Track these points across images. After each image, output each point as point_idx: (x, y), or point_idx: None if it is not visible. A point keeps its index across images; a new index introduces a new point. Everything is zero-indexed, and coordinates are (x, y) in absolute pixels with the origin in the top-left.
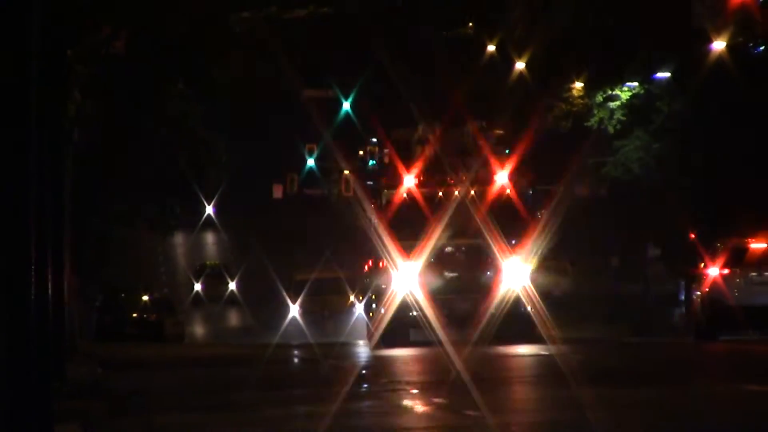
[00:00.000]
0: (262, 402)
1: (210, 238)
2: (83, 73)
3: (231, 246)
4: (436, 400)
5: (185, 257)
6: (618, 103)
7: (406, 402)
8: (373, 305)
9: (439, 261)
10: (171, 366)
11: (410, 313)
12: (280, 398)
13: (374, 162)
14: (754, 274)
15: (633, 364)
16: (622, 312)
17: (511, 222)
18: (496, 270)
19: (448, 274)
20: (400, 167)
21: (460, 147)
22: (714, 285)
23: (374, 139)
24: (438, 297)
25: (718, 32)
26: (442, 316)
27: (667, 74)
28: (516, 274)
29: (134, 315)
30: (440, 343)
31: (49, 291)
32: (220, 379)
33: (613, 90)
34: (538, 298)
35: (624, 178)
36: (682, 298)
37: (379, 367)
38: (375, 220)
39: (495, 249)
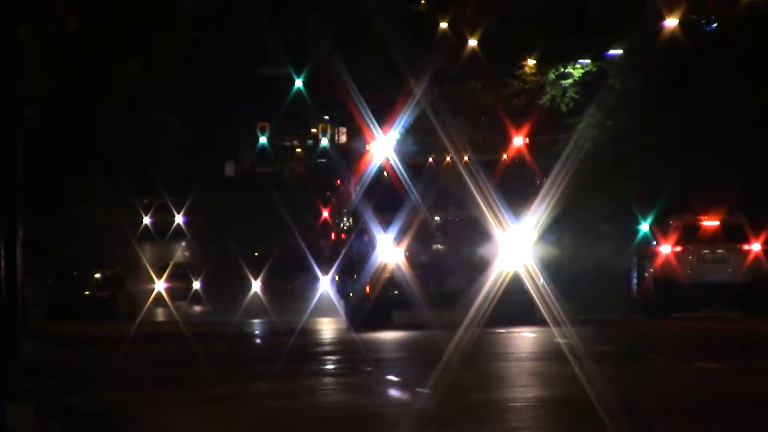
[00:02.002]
0: (215, 379)
1: (162, 213)
2: (36, 50)
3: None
4: (391, 377)
5: (131, 231)
6: (570, 80)
7: (359, 380)
8: (350, 284)
9: (426, 234)
10: (124, 343)
11: (394, 293)
12: (233, 375)
13: (327, 138)
14: (706, 251)
15: (587, 341)
16: (576, 289)
17: (511, 191)
18: (493, 244)
19: (438, 249)
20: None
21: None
22: (666, 262)
23: (326, 117)
24: (426, 274)
25: (671, 9)
26: (430, 295)
27: (620, 51)
28: (515, 248)
29: (86, 293)
30: (427, 325)
31: (1, 270)
32: (174, 355)
33: (565, 68)
34: (540, 276)
35: (576, 156)
36: (634, 275)
37: (344, 346)
38: (354, 190)
39: (491, 221)
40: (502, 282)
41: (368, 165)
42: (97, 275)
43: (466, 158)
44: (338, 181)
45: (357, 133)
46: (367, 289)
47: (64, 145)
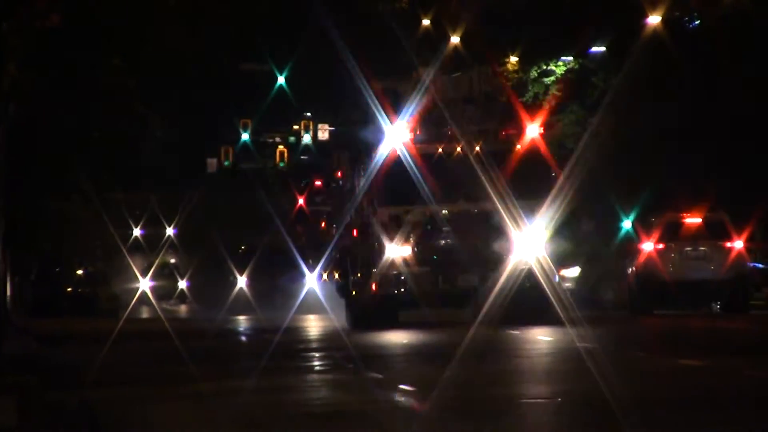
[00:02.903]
0: (196, 376)
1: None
2: (19, 47)
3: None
4: (374, 374)
5: (117, 227)
6: (553, 78)
7: (342, 376)
8: (352, 282)
9: (436, 229)
10: (106, 340)
11: (400, 291)
12: (215, 372)
13: (309, 135)
14: (688, 248)
15: (570, 338)
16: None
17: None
18: (506, 239)
19: (447, 244)
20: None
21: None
22: (648, 260)
23: (308, 114)
24: (434, 271)
25: (654, 7)
26: (439, 292)
27: (603, 48)
28: (529, 244)
29: (69, 289)
30: (435, 324)
31: None
32: (158, 352)
33: (548, 65)
34: (554, 273)
35: (558, 153)
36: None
37: (330, 344)
38: (358, 184)
39: (505, 215)
40: (516, 279)
41: (374, 157)
42: (80, 271)
43: (477, 148)
44: (339, 173)
45: (363, 125)
46: (372, 287)
47: (47, 140)
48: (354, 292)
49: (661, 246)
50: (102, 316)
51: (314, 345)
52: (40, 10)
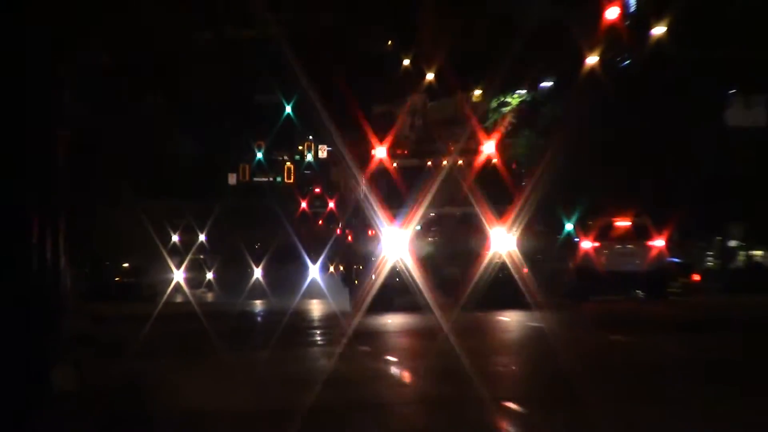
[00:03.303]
0: (218, 349)
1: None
2: (74, 80)
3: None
4: (363, 348)
5: (157, 229)
6: (509, 108)
7: (337, 350)
8: (355, 273)
9: (427, 228)
10: (147, 320)
11: (396, 280)
12: (234, 346)
13: (311, 154)
14: (618, 246)
15: (529, 319)
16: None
17: (498, 191)
18: (484, 237)
19: (435, 241)
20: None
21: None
22: (586, 255)
23: (311, 136)
24: (427, 263)
25: (592, 48)
26: (432, 282)
27: (551, 83)
28: (502, 240)
29: (117, 279)
30: (427, 307)
31: (48, 261)
32: (187, 331)
33: (505, 97)
34: (523, 264)
35: (518, 169)
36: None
37: (328, 322)
38: (363, 189)
39: (482, 216)
40: (492, 270)
41: (373, 169)
42: (125, 265)
43: (459, 162)
44: (344, 181)
45: (361, 142)
46: (372, 277)
47: (98, 159)
48: (356, 282)
49: (596, 244)
50: (143, 301)
51: (315, 324)
52: (91, 51)
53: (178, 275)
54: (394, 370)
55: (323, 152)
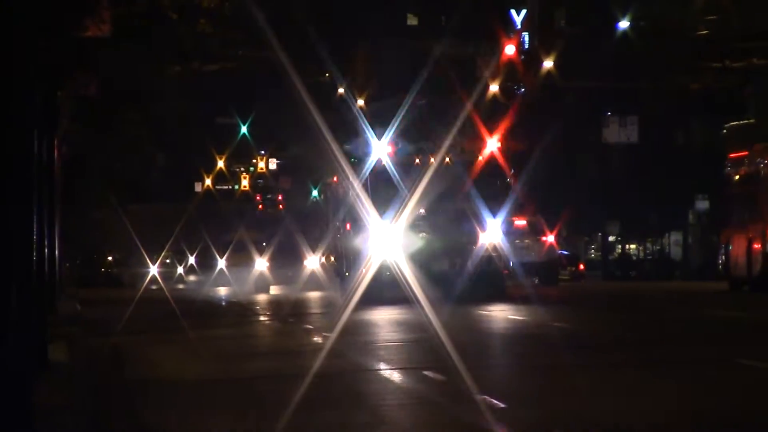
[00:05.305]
0: (186, 327)
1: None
2: (69, 107)
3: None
4: (307, 326)
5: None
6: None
7: (293, 327)
8: (346, 265)
9: (417, 224)
10: (128, 304)
11: (386, 273)
12: (200, 324)
13: (263, 165)
14: (517, 241)
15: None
16: None
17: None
18: (472, 232)
19: (424, 237)
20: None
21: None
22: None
23: (262, 151)
24: (415, 258)
25: (494, 78)
26: (420, 275)
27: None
28: (490, 236)
29: (102, 270)
30: (415, 300)
31: (46, 255)
32: (161, 312)
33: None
34: (510, 260)
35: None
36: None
37: (278, 305)
38: (354, 186)
39: (470, 212)
40: (479, 264)
41: (364, 167)
42: (109, 258)
43: (447, 160)
44: (335, 179)
45: (356, 139)
46: (362, 270)
47: (88, 170)
48: (347, 274)
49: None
50: (125, 288)
51: (267, 307)
52: (82, 83)
53: (154, 270)
54: (329, 343)
55: (273, 164)
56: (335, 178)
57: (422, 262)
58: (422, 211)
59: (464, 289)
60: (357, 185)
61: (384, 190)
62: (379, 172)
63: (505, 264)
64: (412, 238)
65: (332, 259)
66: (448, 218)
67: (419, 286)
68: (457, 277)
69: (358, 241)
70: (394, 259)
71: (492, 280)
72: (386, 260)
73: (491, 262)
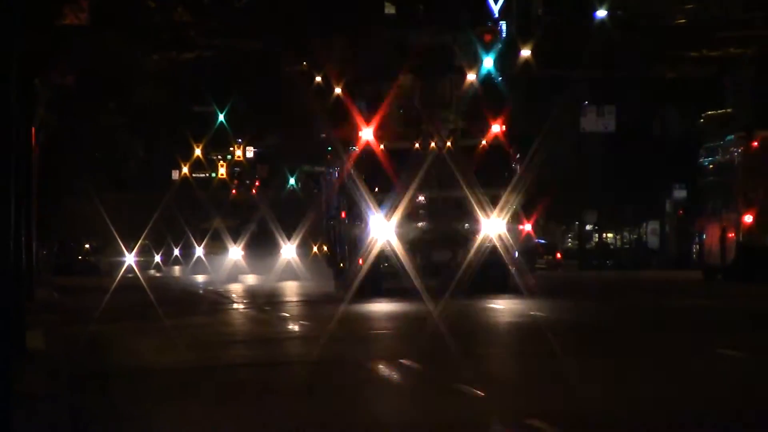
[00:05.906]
0: (161, 315)
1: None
2: (46, 95)
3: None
4: (282, 314)
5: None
6: None
7: (261, 315)
8: (341, 256)
9: (415, 212)
10: (104, 292)
11: (384, 264)
12: (175, 312)
13: (240, 153)
14: None
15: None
16: None
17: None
18: (474, 221)
19: (424, 226)
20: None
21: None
22: None
23: (239, 140)
24: (414, 247)
25: (471, 68)
26: (418, 266)
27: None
28: (492, 225)
29: (79, 257)
30: (414, 292)
31: (23, 242)
32: (136, 301)
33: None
34: (514, 249)
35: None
36: None
37: (255, 294)
38: (349, 173)
39: (472, 200)
40: (482, 255)
41: (360, 152)
42: (87, 246)
43: (449, 144)
44: (330, 165)
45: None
46: (359, 261)
47: (64, 158)
48: (342, 265)
49: None
50: (101, 276)
51: (243, 295)
52: (60, 71)
53: (130, 258)
54: (304, 331)
55: (250, 152)
56: (330, 162)
57: (422, 251)
58: (422, 198)
59: (466, 281)
60: (354, 172)
61: (383, 175)
62: (373, 158)
63: (511, 257)
64: (410, 227)
65: (325, 248)
66: (450, 206)
67: (418, 278)
68: (458, 268)
69: (355, 231)
70: (392, 249)
71: (496, 273)
72: (384, 250)
73: (495, 253)
